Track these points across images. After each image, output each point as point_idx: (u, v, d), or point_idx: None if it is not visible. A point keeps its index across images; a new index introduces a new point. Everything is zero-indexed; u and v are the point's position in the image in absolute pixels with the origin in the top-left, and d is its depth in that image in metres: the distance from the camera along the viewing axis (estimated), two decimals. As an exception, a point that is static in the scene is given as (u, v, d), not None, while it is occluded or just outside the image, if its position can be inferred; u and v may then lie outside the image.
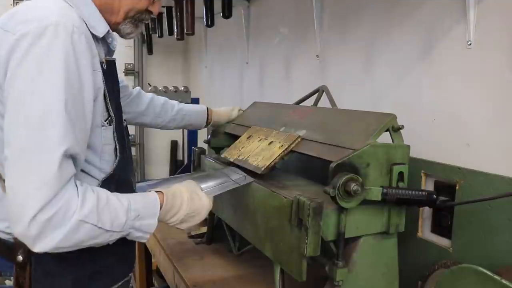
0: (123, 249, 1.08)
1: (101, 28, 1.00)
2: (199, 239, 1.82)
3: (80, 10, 0.96)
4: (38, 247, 0.84)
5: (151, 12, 1.10)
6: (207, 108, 1.71)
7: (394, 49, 1.51)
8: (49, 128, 0.84)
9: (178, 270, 1.55)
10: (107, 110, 1.01)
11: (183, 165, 3.34)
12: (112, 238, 0.93)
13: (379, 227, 1.14)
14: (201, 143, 2.75)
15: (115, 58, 1.10)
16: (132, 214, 0.94)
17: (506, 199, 1.07)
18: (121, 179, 1.07)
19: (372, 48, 1.62)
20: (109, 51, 1.07)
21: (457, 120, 1.27)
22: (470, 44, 1.22)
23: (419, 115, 1.40)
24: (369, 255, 1.14)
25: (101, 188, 0.94)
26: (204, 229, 1.86)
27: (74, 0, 0.97)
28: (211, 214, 1.76)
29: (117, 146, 1.04)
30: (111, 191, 0.99)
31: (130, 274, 1.16)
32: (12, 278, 0.98)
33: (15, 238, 0.96)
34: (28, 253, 0.95)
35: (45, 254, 0.91)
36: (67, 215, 0.84)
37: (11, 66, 0.86)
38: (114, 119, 1.02)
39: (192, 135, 3.22)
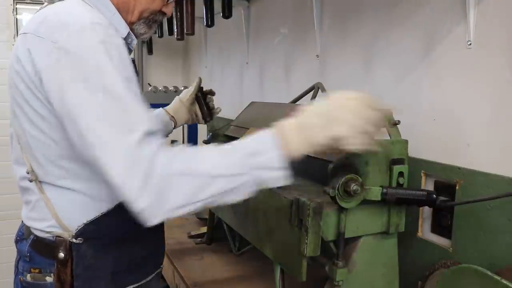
0: (154, 243, 1.15)
1: (123, 29, 1.03)
2: (199, 239, 1.82)
3: (103, 12, 0.99)
4: (157, 217, 0.83)
5: (164, 13, 1.12)
6: (165, 110, 1.59)
7: (394, 49, 1.51)
8: (126, 112, 0.85)
9: (178, 270, 1.55)
10: None
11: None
12: (232, 184, 0.84)
13: (379, 227, 1.14)
14: (201, 143, 2.74)
15: (133, 58, 1.12)
16: (245, 151, 0.85)
17: (506, 199, 1.07)
18: None
19: (372, 48, 1.62)
20: (129, 50, 1.09)
21: (457, 120, 1.27)
22: (470, 44, 1.22)
23: (419, 115, 1.40)
24: (369, 255, 1.14)
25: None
26: (204, 229, 1.86)
27: (97, 3, 0.99)
28: (211, 214, 1.76)
29: None
30: None
31: (161, 266, 1.21)
32: (52, 275, 1.01)
33: (56, 236, 1.00)
34: (69, 250, 0.99)
35: (85, 250, 0.97)
36: (168, 175, 0.82)
37: (61, 75, 0.87)
38: None
39: (192, 135, 3.22)
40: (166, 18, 1.17)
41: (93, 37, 0.88)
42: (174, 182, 0.82)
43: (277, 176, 0.85)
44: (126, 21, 1.05)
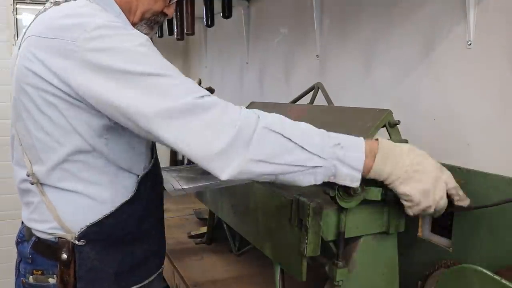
0: (156, 243, 1.16)
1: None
2: (199, 239, 1.82)
3: (109, 12, 0.99)
4: (239, 166, 0.82)
5: (166, 14, 1.12)
6: None
7: (394, 49, 1.51)
8: (183, 82, 0.87)
9: (178, 270, 1.55)
10: None
11: (183, 165, 3.34)
12: (312, 163, 0.84)
13: (379, 227, 1.14)
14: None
15: None
16: (331, 140, 0.86)
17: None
18: (157, 174, 1.12)
19: (372, 48, 1.62)
20: None
21: (457, 120, 1.27)
22: (470, 44, 1.22)
23: (419, 115, 1.40)
24: (369, 255, 1.14)
25: None
26: (204, 229, 1.86)
27: (103, 4, 0.99)
28: (211, 214, 1.76)
29: (152, 142, 1.08)
30: (148, 187, 1.05)
31: (162, 266, 1.22)
32: (55, 276, 1.01)
33: (59, 238, 1.00)
34: (72, 251, 0.99)
35: (88, 252, 0.98)
36: (252, 127, 0.82)
37: (89, 75, 0.87)
38: None
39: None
40: (168, 18, 1.17)
41: (115, 31, 0.88)
42: (262, 134, 0.82)
43: (353, 176, 0.87)
44: (128, 21, 1.05)
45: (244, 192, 1.30)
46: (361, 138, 0.89)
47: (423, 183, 0.89)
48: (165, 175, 1.28)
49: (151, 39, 0.97)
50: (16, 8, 3.49)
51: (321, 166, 0.85)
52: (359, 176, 0.87)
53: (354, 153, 0.87)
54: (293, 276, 1.09)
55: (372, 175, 0.89)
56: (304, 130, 0.87)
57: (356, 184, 0.88)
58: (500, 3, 1.15)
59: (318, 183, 0.88)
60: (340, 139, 0.87)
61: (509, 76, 1.13)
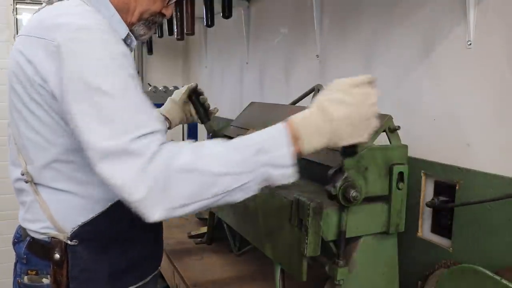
0: (151, 245, 1.14)
1: (122, 30, 1.03)
2: (199, 239, 1.82)
3: (103, 13, 0.99)
4: (159, 214, 0.80)
5: (164, 15, 1.11)
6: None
7: (394, 49, 1.51)
8: (137, 113, 0.85)
9: (178, 270, 1.55)
10: None
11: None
12: (239, 183, 0.82)
13: (379, 227, 1.14)
14: (201, 143, 2.74)
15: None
16: (251, 148, 0.83)
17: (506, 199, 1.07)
18: None
19: (373, 48, 1.62)
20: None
21: (457, 120, 1.27)
22: (470, 44, 1.22)
23: (419, 115, 1.40)
24: (369, 255, 1.14)
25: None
26: (204, 229, 1.86)
27: (96, 4, 0.99)
28: (211, 214, 1.76)
29: None
30: None
31: (159, 267, 1.20)
32: (49, 276, 1.01)
33: (52, 237, 1.00)
34: (64, 251, 0.98)
35: (81, 252, 0.97)
36: (169, 171, 0.80)
37: (63, 74, 0.87)
38: None
39: (192, 135, 3.22)
40: (166, 19, 1.17)
41: (94, 36, 0.88)
42: (177, 178, 0.80)
43: (287, 173, 0.84)
44: (125, 22, 1.05)
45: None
46: (281, 128, 0.85)
47: (357, 129, 0.87)
48: None
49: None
50: (16, 8, 3.49)
51: (248, 181, 0.84)
52: (290, 171, 0.84)
53: (279, 151, 0.83)
54: (293, 276, 1.09)
55: (307, 155, 0.87)
56: (221, 153, 0.84)
57: (291, 179, 0.85)
58: (500, 3, 1.15)
59: (253, 193, 0.86)
60: (260, 142, 0.84)
61: (509, 76, 1.13)
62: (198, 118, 1.63)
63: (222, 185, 0.82)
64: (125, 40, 1.04)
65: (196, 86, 1.62)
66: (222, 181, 0.82)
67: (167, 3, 1.10)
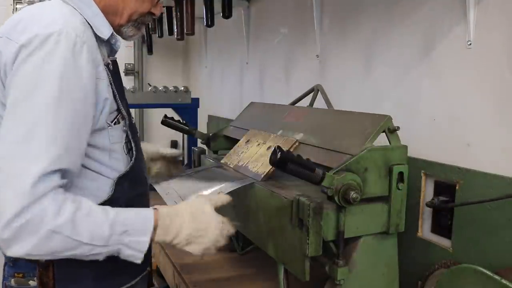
0: None
1: (106, 31, 1.01)
2: (199, 239, 1.81)
3: (84, 13, 0.97)
4: (10, 252, 0.84)
5: (153, 14, 1.11)
6: None
7: (394, 49, 1.51)
8: (32, 141, 0.84)
9: (178, 270, 1.55)
10: (118, 110, 1.02)
11: (183, 165, 3.34)
12: (95, 251, 0.89)
13: (379, 227, 1.14)
14: (200, 145, 2.74)
15: (116, 58, 1.11)
16: (118, 228, 0.90)
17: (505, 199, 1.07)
18: (136, 177, 1.08)
19: (372, 48, 1.62)
20: (112, 51, 1.07)
21: (457, 120, 1.27)
22: (470, 44, 1.22)
23: (419, 115, 1.40)
24: (369, 255, 1.14)
25: (86, 199, 0.91)
26: (204, 229, 1.85)
27: (78, 3, 0.98)
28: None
29: (133, 144, 1.06)
30: (126, 189, 1.02)
31: (147, 269, 1.19)
32: (35, 278, 1.00)
33: None
34: None
35: None
36: (40, 225, 0.83)
37: (11, 74, 0.88)
38: (126, 118, 1.04)
39: (192, 137, 3.21)
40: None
41: (53, 49, 0.87)
42: (43, 234, 0.83)
43: (134, 255, 0.93)
44: (113, 23, 1.04)
45: (245, 192, 1.30)
46: (151, 215, 0.95)
47: (205, 244, 1.02)
48: (167, 189, 1.29)
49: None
50: (16, 8, 3.49)
51: (102, 252, 0.90)
52: (141, 256, 0.93)
53: (140, 238, 0.92)
54: (293, 276, 1.09)
55: (157, 242, 0.97)
56: (96, 223, 0.88)
57: (139, 260, 0.93)
58: (500, 3, 1.15)
59: (102, 257, 0.92)
60: (129, 225, 0.91)
61: (509, 76, 1.13)
62: (184, 134, 1.62)
63: (81, 251, 0.88)
64: (109, 40, 1.03)
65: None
66: (83, 247, 0.87)
67: (156, 2, 1.09)
